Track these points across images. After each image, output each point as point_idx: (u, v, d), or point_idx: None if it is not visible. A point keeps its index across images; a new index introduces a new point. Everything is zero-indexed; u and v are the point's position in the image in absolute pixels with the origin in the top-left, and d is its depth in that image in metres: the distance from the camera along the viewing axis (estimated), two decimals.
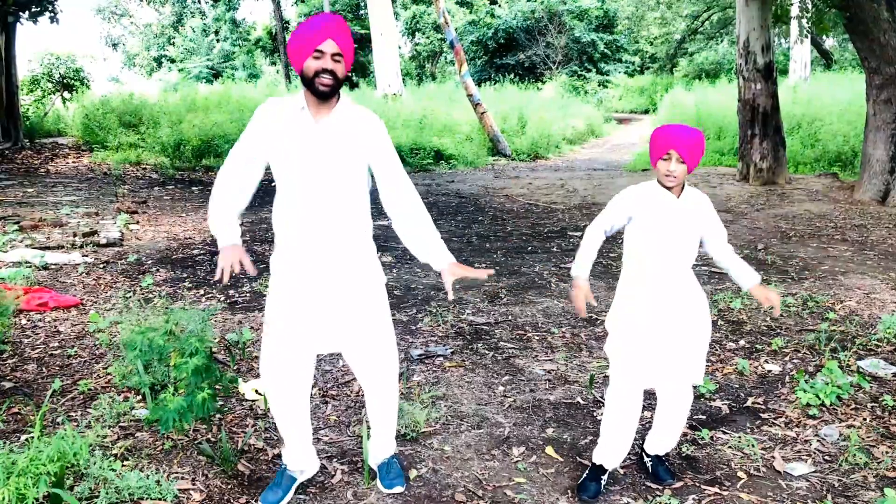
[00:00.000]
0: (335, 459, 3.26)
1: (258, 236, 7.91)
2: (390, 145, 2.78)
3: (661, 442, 3.08)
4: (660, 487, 3.03)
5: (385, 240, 7.66)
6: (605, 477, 3.01)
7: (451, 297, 2.78)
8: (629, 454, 3.26)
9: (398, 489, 3.00)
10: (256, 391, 3.87)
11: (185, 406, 3.19)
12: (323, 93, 2.60)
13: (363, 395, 3.92)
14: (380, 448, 3.09)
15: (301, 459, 2.97)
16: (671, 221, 2.81)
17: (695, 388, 3.99)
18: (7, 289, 5.15)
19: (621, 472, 3.17)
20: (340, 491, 3.00)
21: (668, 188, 2.80)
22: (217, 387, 3.42)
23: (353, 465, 3.20)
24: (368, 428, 3.23)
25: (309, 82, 2.60)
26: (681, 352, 2.85)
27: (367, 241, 2.82)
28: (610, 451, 2.97)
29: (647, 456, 3.14)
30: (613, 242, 7.60)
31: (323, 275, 2.71)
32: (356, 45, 33.48)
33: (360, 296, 2.77)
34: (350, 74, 33.28)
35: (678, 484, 3.06)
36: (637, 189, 2.85)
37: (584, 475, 3.03)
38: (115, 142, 15.15)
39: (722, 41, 34.52)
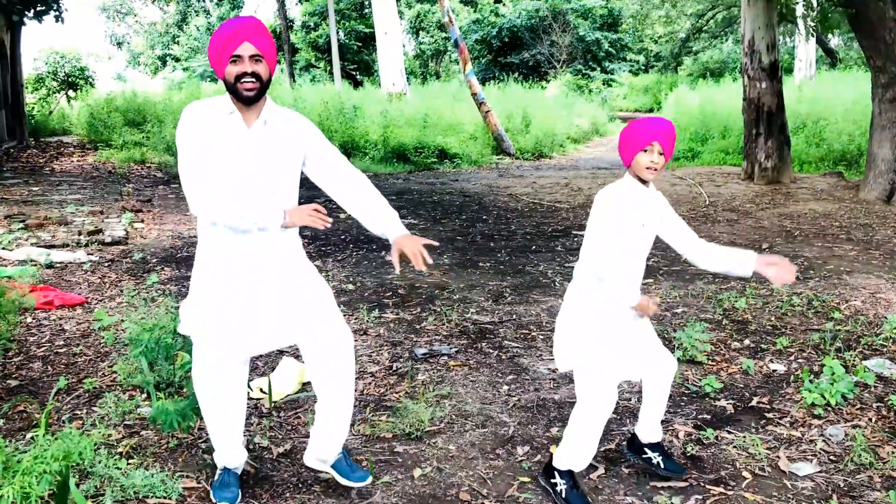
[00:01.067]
0: None
1: None
2: (324, 137, 2.78)
3: (655, 426, 3.06)
4: (663, 487, 3.02)
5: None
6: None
7: (397, 269, 2.69)
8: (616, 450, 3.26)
9: (370, 479, 2.97)
10: (261, 389, 3.87)
11: (185, 407, 3.20)
12: (248, 98, 2.56)
13: (367, 393, 3.93)
14: (333, 448, 2.97)
15: (239, 456, 2.97)
16: (648, 216, 2.80)
17: (694, 383, 3.98)
18: (15, 287, 5.16)
19: (625, 471, 3.16)
20: (344, 490, 3.00)
21: (645, 181, 2.77)
22: None
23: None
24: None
25: (232, 88, 2.56)
26: (646, 336, 2.90)
27: (297, 240, 2.81)
28: (587, 455, 2.87)
29: (649, 449, 3.08)
30: None
31: (257, 278, 2.68)
32: (360, 44, 33.66)
33: (301, 288, 2.75)
34: (356, 74, 33.30)
35: (682, 483, 3.05)
36: (621, 192, 2.77)
37: (565, 485, 2.87)
38: (119, 140, 15.19)
39: (727, 40, 34.47)
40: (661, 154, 2.71)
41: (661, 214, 2.86)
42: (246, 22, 2.55)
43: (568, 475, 2.90)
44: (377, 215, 2.76)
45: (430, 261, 2.64)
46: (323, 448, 2.96)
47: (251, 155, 2.61)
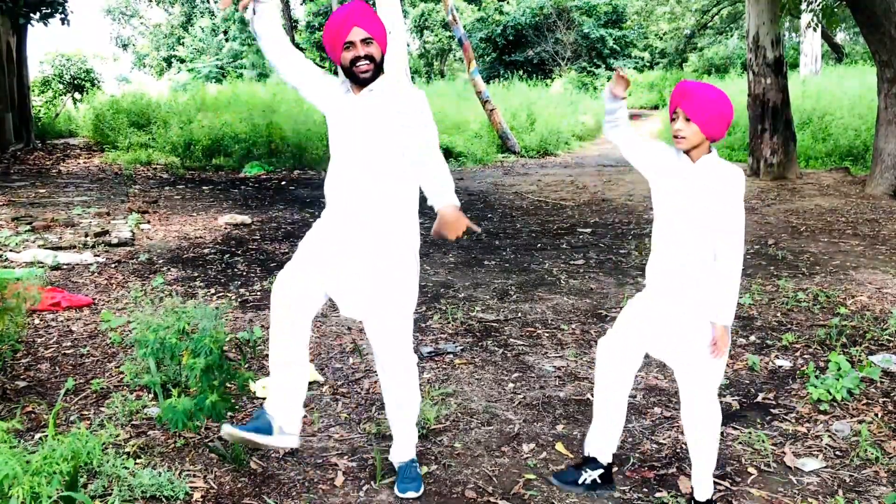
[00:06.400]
0: (345, 457, 3.27)
1: (268, 235, 7.94)
2: (426, 113, 2.82)
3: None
4: (668, 484, 3.03)
5: None
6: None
7: (433, 233, 2.65)
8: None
9: (411, 494, 2.92)
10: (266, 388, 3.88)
11: (193, 407, 3.21)
12: (364, 80, 2.74)
13: (374, 392, 3.94)
14: (400, 448, 3.03)
15: (282, 412, 2.80)
16: (679, 187, 2.62)
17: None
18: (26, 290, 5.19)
19: (630, 470, 3.17)
20: (349, 489, 3.01)
21: (684, 151, 2.60)
22: (231, 385, 3.44)
23: (362, 463, 3.21)
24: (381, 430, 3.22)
25: (349, 72, 2.74)
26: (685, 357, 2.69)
27: (407, 207, 2.84)
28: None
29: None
30: (623, 238, 7.59)
31: (360, 235, 2.79)
32: None
33: (390, 265, 2.82)
34: None
35: (688, 481, 3.05)
36: (668, 146, 2.72)
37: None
38: (125, 142, 15.24)
39: (732, 36, 34.33)
40: (687, 120, 2.53)
41: (699, 197, 2.59)
42: (354, 7, 2.70)
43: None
44: (430, 189, 2.71)
45: (475, 228, 2.67)
46: (395, 441, 3.06)
47: (355, 123, 2.78)
